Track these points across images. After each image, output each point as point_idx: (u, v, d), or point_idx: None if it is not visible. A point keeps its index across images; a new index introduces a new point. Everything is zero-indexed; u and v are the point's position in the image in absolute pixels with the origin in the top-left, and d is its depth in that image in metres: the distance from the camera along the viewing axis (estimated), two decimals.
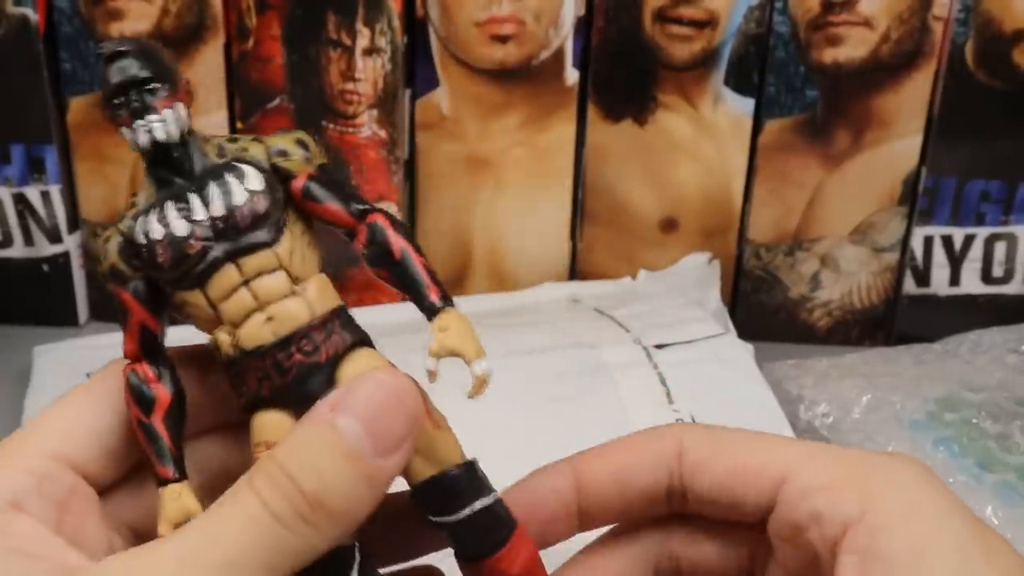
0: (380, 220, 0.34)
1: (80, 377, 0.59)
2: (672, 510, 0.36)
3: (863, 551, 0.31)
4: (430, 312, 0.33)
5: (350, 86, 0.64)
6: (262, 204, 0.33)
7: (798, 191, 0.66)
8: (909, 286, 0.68)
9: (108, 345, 0.63)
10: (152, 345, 0.34)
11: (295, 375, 0.32)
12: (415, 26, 0.64)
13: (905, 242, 0.67)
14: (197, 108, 0.64)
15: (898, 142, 0.65)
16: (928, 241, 0.67)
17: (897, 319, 0.69)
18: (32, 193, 0.66)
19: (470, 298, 0.67)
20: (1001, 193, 0.66)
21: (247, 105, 0.65)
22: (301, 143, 0.34)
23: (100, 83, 0.33)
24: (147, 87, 0.32)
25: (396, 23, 0.62)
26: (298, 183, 0.34)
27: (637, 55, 0.64)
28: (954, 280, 0.68)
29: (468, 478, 0.34)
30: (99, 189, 0.67)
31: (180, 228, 0.32)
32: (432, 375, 0.32)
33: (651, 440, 0.35)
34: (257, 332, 0.33)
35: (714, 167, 0.66)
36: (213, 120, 0.65)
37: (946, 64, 0.63)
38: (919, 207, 0.66)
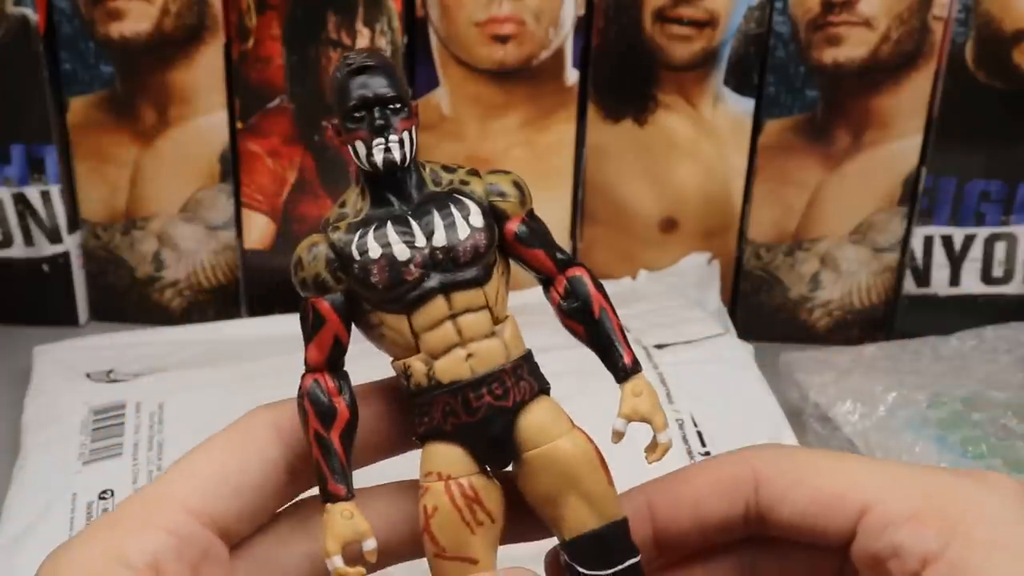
0: (583, 275, 0.34)
1: (80, 377, 0.59)
2: (750, 532, 0.35)
3: None
4: (623, 374, 0.34)
5: None
6: (482, 242, 0.33)
7: (798, 191, 0.66)
8: (909, 286, 0.68)
9: (108, 345, 0.63)
10: (338, 359, 0.33)
11: (482, 416, 0.33)
12: (415, 26, 0.64)
13: (905, 242, 0.67)
14: (196, 108, 0.64)
15: (898, 142, 0.65)
16: (928, 241, 0.67)
17: (897, 319, 0.69)
18: (32, 193, 0.66)
19: None
20: (1001, 193, 0.66)
21: (247, 105, 0.65)
22: (517, 185, 0.34)
23: (322, 91, 0.33)
24: (391, 106, 0.32)
25: (396, 23, 0.62)
26: (512, 225, 0.34)
27: (637, 55, 0.64)
28: (954, 280, 0.68)
29: (625, 534, 0.34)
30: (99, 189, 0.67)
31: (401, 252, 0.32)
32: (619, 437, 0.33)
33: (725, 470, 0.35)
34: (456, 367, 0.33)
35: (714, 167, 0.66)
36: (213, 120, 0.65)
37: (946, 64, 0.63)
38: (919, 207, 0.66)
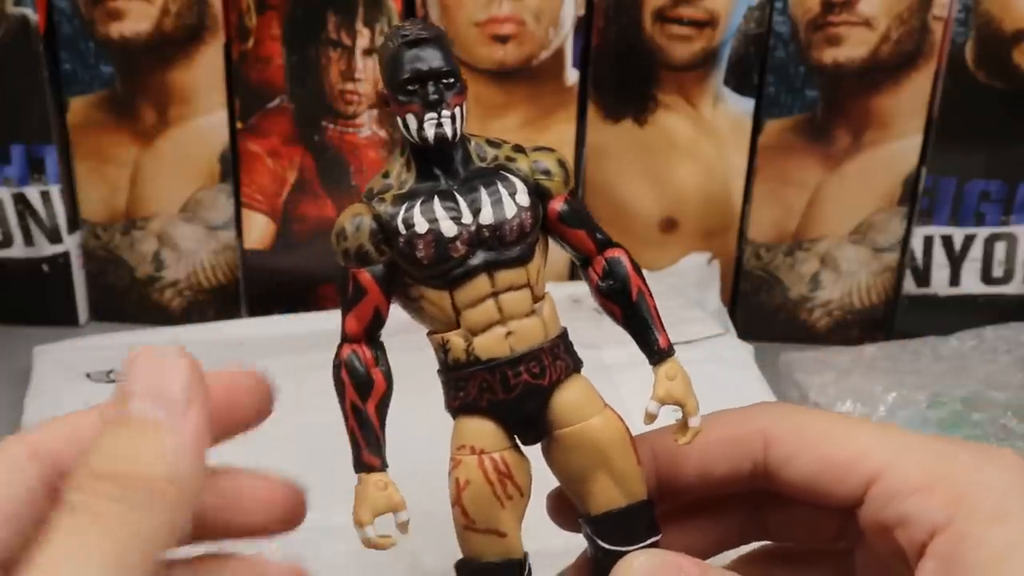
0: (622, 256, 0.35)
1: (80, 377, 0.59)
2: (756, 487, 0.35)
3: (945, 559, 0.30)
4: (657, 356, 0.34)
5: (350, 86, 0.64)
6: (528, 221, 0.33)
7: (798, 191, 0.66)
8: (909, 286, 0.68)
9: (108, 345, 0.63)
10: (375, 330, 0.34)
11: (519, 394, 0.33)
12: None
13: (905, 242, 0.67)
14: (196, 108, 0.64)
15: (898, 142, 0.65)
16: (928, 241, 0.67)
17: (897, 319, 0.69)
18: (32, 193, 0.66)
19: None
20: (1001, 193, 0.66)
21: (247, 105, 0.65)
22: (561, 164, 0.34)
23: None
24: (444, 81, 0.32)
25: (396, 23, 0.62)
26: (556, 205, 0.34)
27: (637, 55, 0.64)
28: (954, 280, 0.68)
29: (650, 513, 0.35)
30: (99, 189, 0.67)
31: (448, 229, 0.32)
32: (652, 418, 0.34)
33: (733, 428, 0.35)
34: (495, 345, 0.33)
35: (714, 167, 0.66)
36: (213, 120, 0.65)
37: (946, 64, 0.63)
38: (919, 207, 0.66)
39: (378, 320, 0.33)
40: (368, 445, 0.33)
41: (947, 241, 0.67)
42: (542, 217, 0.34)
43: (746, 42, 0.63)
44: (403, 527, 0.33)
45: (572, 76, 0.64)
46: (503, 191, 0.33)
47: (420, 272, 0.33)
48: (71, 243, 0.67)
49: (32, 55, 0.63)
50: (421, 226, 0.32)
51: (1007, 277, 0.68)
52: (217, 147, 0.65)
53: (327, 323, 0.64)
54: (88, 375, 0.59)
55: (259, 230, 0.67)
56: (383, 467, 0.33)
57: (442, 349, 0.33)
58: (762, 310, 0.69)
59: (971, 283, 0.68)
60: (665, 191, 0.67)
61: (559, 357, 0.34)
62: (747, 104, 0.65)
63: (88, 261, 0.68)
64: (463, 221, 0.32)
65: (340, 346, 0.34)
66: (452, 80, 0.32)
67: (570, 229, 0.34)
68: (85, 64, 0.64)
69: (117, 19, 0.63)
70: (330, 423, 0.54)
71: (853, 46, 0.63)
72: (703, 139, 0.66)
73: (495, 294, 0.33)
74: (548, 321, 0.34)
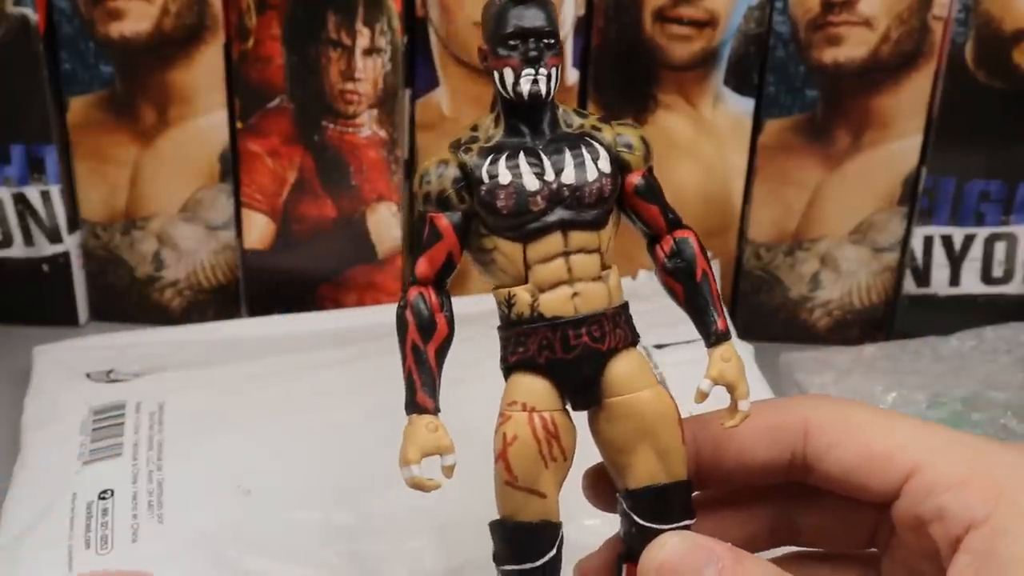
0: (691, 237, 0.36)
1: (80, 377, 0.59)
2: (792, 479, 0.36)
3: (981, 553, 0.30)
4: (715, 338, 0.35)
5: (350, 86, 0.64)
6: (608, 187, 0.34)
7: (798, 191, 0.66)
8: (909, 286, 0.68)
9: (108, 345, 0.63)
10: (445, 276, 0.34)
11: (577, 355, 0.34)
12: (415, 26, 0.64)
13: (905, 242, 0.67)
14: (196, 108, 0.64)
15: (898, 142, 0.65)
16: (928, 241, 0.67)
17: (897, 319, 0.69)
18: (32, 193, 0.66)
19: (470, 298, 0.67)
20: (1001, 193, 0.66)
21: (247, 105, 0.65)
22: (643, 140, 0.35)
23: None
24: (545, 40, 0.33)
25: (396, 23, 0.62)
26: (633, 178, 0.35)
27: (637, 55, 0.64)
28: (954, 280, 0.68)
29: (687, 496, 0.35)
30: (99, 189, 0.67)
31: (531, 183, 0.33)
32: (704, 397, 0.35)
33: (775, 415, 0.35)
34: (561, 304, 0.34)
35: (714, 167, 0.66)
36: (213, 120, 0.65)
37: (946, 64, 0.63)
38: (919, 207, 0.66)
39: (449, 265, 0.34)
40: (423, 385, 0.33)
41: (947, 241, 0.67)
42: (619, 188, 0.35)
43: (746, 42, 0.63)
44: (448, 471, 0.34)
45: (572, 76, 0.64)
46: (586, 155, 0.34)
47: (498, 222, 0.34)
48: (71, 243, 0.67)
49: (32, 55, 0.63)
50: (504, 177, 0.33)
51: (1007, 277, 0.68)
52: (217, 147, 0.65)
53: (327, 323, 0.64)
54: (88, 375, 0.59)
55: (259, 230, 0.67)
56: (436, 411, 0.34)
57: (507, 303, 0.34)
58: (762, 310, 0.69)
59: (971, 283, 0.68)
60: (665, 191, 0.67)
61: (619, 326, 0.35)
62: (747, 104, 0.65)
63: (88, 261, 0.68)
64: (545, 178, 0.33)
65: (407, 289, 0.34)
66: (552, 41, 0.33)
67: (645, 204, 0.35)
68: (85, 64, 0.64)
69: (117, 19, 0.63)
70: (331, 423, 0.54)
71: (853, 46, 0.63)
72: (703, 139, 0.66)
73: (567, 254, 0.34)
74: (613, 290, 0.35)
